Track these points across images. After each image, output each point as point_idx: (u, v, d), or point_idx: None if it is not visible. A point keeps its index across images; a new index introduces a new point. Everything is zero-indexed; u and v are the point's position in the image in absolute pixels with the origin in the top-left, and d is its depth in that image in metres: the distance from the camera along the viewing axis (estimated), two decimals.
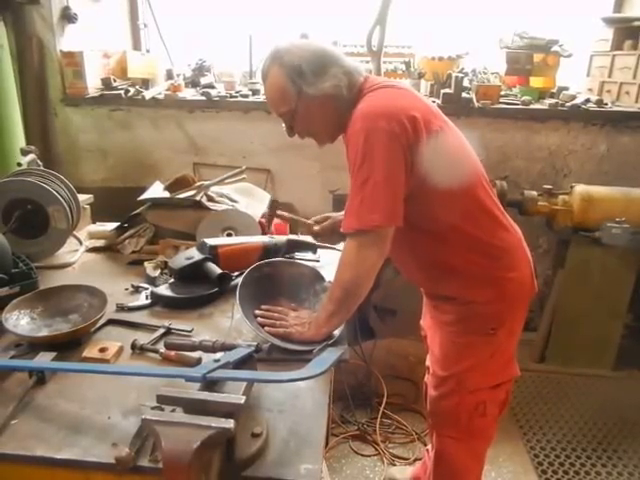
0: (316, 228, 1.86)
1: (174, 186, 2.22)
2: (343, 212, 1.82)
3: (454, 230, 1.51)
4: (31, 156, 2.21)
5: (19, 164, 2.16)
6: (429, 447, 2.00)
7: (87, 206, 2.41)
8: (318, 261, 1.96)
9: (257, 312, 1.50)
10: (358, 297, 1.43)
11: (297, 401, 1.25)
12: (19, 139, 2.78)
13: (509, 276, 1.56)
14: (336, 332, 1.48)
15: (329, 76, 1.46)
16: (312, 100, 1.46)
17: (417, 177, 1.41)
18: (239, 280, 1.54)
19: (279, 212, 1.85)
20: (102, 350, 1.38)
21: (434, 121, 1.45)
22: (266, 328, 1.45)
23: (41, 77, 3.11)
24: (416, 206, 1.42)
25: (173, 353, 1.36)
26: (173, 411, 1.03)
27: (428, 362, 1.82)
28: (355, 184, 1.38)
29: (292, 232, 2.12)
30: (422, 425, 2.61)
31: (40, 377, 1.26)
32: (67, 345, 1.40)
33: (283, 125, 1.57)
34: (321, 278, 1.68)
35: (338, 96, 1.47)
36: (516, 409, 2.76)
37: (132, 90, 3.19)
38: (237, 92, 3.23)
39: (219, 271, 1.70)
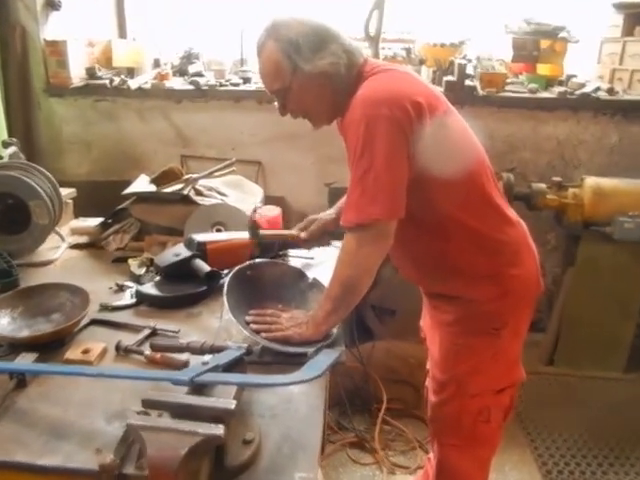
0: (303, 235, 1.85)
1: (161, 179, 2.22)
2: (327, 212, 1.84)
3: (455, 223, 1.51)
4: (13, 149, 2.21)
5: (0, 157, 2.16)
6: (431, 455, 2.00)
7: (70, 201, 2.40)
8: (312, 258, 1.98)
9: (248, 318, 1.50)
10: (358, 294, 1.43)
11: (291, 406, 1.25)
12: (1, 131, 2.78)
13: (513, 273, 1.56)
14: (334, 330, 1.49)
15: (327, 53, 1.44)
16: (307, 77, 1.44)
17: (419, 166, 1.40)
18: (224, 286, 1.53)
19: (261, 232, 1.83)
20: (85, 351, 1.39)
21: (438, 107, 1.44)
22: (263, 334, 1.45)
23: (24, 67, 3.10)
24: (415, 197, 1.41)
25: (159, 355, 1.37)
26: (159, 416, 1.03)
27: (429, 365, 1.82)
28: (355, 175, 1.38)
29: (286, 227, 2.11)
30: (424, 432, 2.60)
31: (21, 379, 1.27)
32: (49, 346, 1.40)
33: (276, 104, 1.56)
34: (304, 275, 1.70)
35: (336, 74, 1.46)
36: (523, 414, 2.76)
37: (117, 80, 3.18)
38: (227, 80, 3.23)
39: (208, 268, 1.71)
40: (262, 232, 1.84)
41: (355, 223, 1.39)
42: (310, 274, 1.72)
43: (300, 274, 1.71)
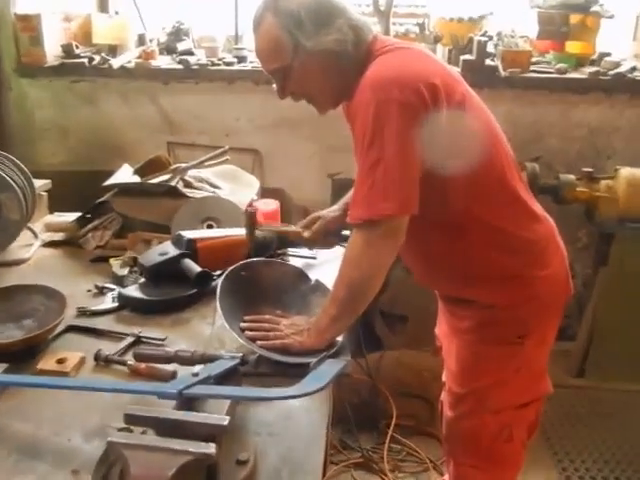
0: (306, 235, 1.84)
1: (146, 169, 2.23)
2: (332, 209, 1.85)
3: (474, 219, 1.51)
4: None
5: None
6: (446, 477, 2.00)
7: (44, 193, 2.40)
8: (315, 258, 1.98)
9: (243, 325, 1.51)
10: (366, 298, 1.43)
11: (290, 422, 1.25)
12: None
13: (539, 274, 1.56)
14: (338, 338, 1.50)
15: (333, 29, 1.43)
16: (310, 56, 1.44)
17: (433, 156, 1.40)
18: (217, 289, 1.53)
19: (258, 227, 1.83)
20: (61, 361, 1.39)
21: (456, 89, 1.44)
22: (259, 342, 1.45)
23: None
24: (429, 190, 1.41)
25: (143, 366, 1.37)
26: (144, 433, 1.04)
27: (444, 377, 1.83)
28: (363, 167, 1.38)
29: (285, 222, 2.11)
30: (438, 451, 2.61)
31: None
32: (20, 355, 1.40)
33: (274, 85, 1.55)
34: (306, 277, 1.71)
35: (342, 53, 1.45)
36: (549, 432, 2.76)
37: (97, 58, 3.18)
38: (220, 59, 3.22)
39: (198, 269, 1.71)
40: (261, 227, 1.83)
41: (363, 219, 1.38)
42: (312, 275, 1.73)
43: (301, 275, 1.72)
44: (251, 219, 1.81)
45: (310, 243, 1.88)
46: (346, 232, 1.84)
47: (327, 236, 1.85)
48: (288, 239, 1.92)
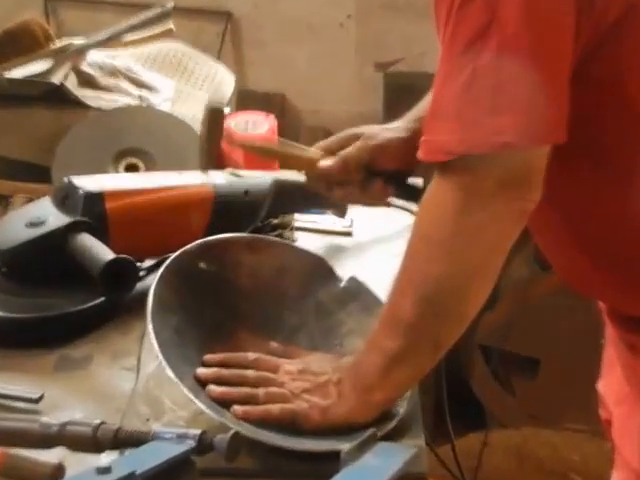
0: (325, 164, 1.79)
1: (2, 49, 2.24)
2: (391, 126, 1.86)
3: None
4: None
5: None
6: None
7: None
8: (350, 234, 2.05)
9: (201, 373, 1.46)
10: (458, 319, 1.38)
11: None
12: None
13: None
14: (400, 403, 1.44)
15: None
16: None
17: (598, 40, 1.32)
18: (149, 297, 1.48)
19: (236, 139, 1.83)
20: None
21: None
22: (237, 408, 1.39)
23: None
24: (589, 101, 1.34)
25: None
26: None
27: None
28: (453, 46, 1.30)
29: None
30: None
31: None
32: None
33: None
34: (330, 273, 1.71)
35: None
36: None
37: None
38: None
39: (110, 256, 1.64)
40: (237, 140, 1.84)
41: (456, 154, 1.30)
42: (344, 270, 1.72)
43: (319, 268, 1.71)
44: (214, 123, 1.77)
45: (329, 183, 1.81)
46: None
47: (370, 180, 1.78)
48: (296, 190, 1.92)
